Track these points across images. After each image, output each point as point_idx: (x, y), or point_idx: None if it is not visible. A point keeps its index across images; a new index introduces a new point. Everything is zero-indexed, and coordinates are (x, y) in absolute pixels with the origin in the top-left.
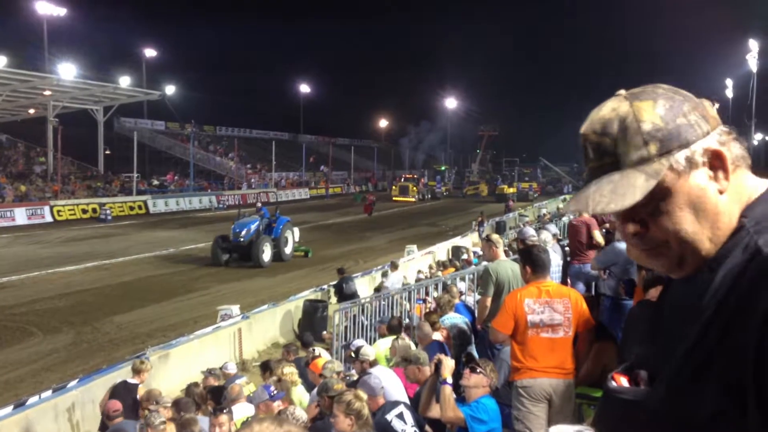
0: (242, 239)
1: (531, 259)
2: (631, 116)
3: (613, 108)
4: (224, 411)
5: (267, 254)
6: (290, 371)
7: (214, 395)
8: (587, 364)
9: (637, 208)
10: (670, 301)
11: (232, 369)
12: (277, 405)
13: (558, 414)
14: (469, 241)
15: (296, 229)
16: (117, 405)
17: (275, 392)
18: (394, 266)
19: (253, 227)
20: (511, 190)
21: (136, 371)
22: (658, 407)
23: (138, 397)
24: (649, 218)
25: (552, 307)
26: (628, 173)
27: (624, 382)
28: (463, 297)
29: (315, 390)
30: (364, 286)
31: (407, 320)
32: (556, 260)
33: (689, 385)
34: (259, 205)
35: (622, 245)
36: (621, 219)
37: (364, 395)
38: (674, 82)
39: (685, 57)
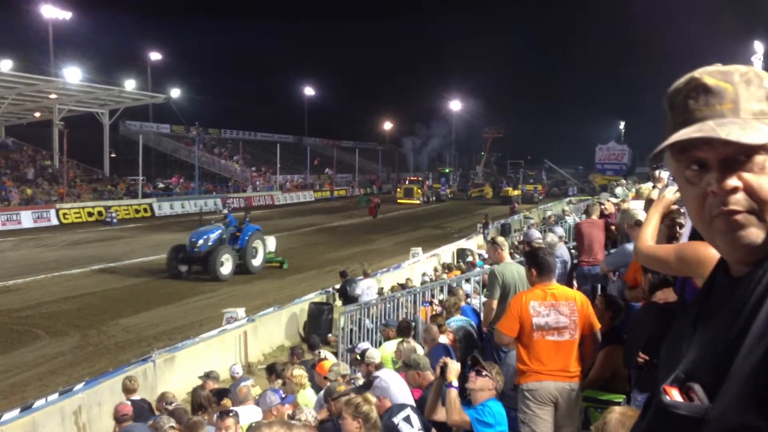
0: (198, 249)
1: (536, 262)
2: (752, 72)
3: (727, 66)
4: (230, 414)
5: (227, 266)
6: (299, 374)
7: (219, 398)
8: (597, 367)
9: (747, 160)
10: (715, 305)
11: (238, 372)
12: (287, 408)
13: (564, 417)
14: (474, 244)
15: (272, 239)
16: (127, 409)
17: (285, 395)
18: (365, 274)
19: (213, 236)
20: (516, 192)
21: (131, 390)
22: (719, 425)
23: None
24: (753, 175)
25: (558, 309)
26: (749, 120)
27: (676, 395)
28: (468, 300)
29: (321, 392)
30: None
31: (413, 323)
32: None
33: (759, 401)
34: (225, 211)
35: (630, 246)
36: (722, 172)
37: (372, 398)
38: None
39: (690, 59)
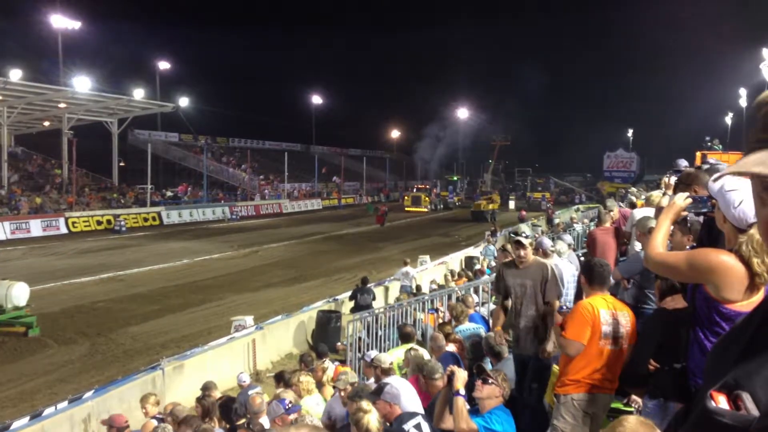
0: None
1: (590, 272)
2: None
3: None
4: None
5: None
6: (306, 380)
7: (226, 407)
8: None
9: None
10: None
11: (245, 380)
12: (292, 417)
13: (597, 426)
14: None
15: (21, 286)
16: (123, 418)
17: (290, 405)
18: (404, 263)
19: None
20: (492, 206)
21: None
22: None
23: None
24: None
25: (617, 319)
26: None
27: (723, 401)
28: (477, 308)
29: (330, 400)
30: (378, 296)
31: (419, 331)
32: (571, 270)
33: None
34: None
35: (643, 254)
36: None
37: (369, 405)
38: (688, 93)
39: (698, 67)
